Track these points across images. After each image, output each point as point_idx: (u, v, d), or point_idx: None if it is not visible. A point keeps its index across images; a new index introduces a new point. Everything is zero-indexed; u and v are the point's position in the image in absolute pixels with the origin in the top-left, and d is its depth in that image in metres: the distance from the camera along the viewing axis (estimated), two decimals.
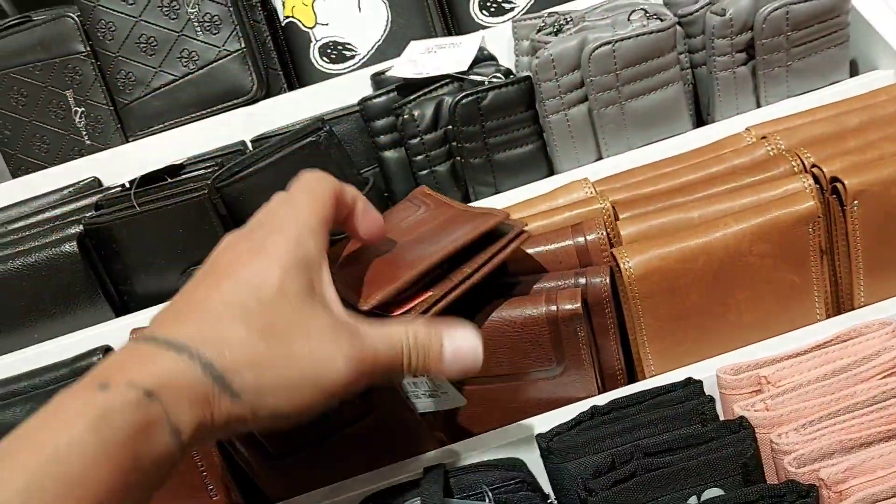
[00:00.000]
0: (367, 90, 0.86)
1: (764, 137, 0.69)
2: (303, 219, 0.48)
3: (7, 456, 0.38)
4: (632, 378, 0.64)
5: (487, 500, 0.53)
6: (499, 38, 0.87)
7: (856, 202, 0.59)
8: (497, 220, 0.58)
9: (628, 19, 0.73)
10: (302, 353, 0.45)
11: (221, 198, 0.75)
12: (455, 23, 0.94)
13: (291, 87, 0.93)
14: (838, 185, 0.59)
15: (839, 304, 0.63)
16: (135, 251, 0.75)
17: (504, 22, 0.91)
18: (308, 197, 0.50)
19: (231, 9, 0.87)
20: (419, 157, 0.77)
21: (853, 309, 0.62)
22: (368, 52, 0.93)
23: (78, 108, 0.91)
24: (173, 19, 0.87)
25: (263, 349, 0.44)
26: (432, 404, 0.61)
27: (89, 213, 0.77)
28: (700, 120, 0.80)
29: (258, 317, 0.45)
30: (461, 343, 0.50)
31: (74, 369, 0.69)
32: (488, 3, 0.92)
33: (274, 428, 0.47)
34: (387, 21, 0.93)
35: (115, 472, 0.39)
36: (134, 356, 0.43)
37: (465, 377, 0.56)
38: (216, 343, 0.43)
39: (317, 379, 0.46)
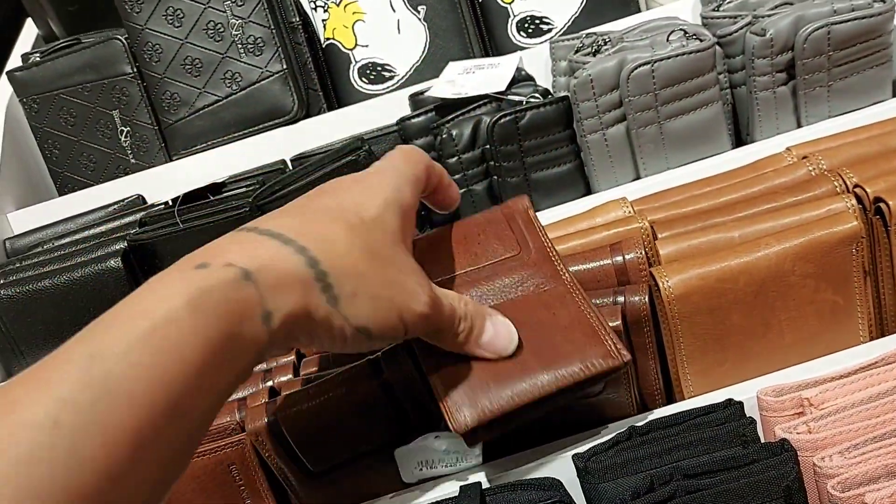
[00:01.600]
0: (406, 110, 0.87)
1: (805, 157, 0.68)
2: (401, 170, 0.52)
3: (105, 326, 0.38)
4: (670, 398, 0.63)
5: None
6: (536, 59, 0.88)
7: None
8: (615, 365, 0.51)
9: (667, 40, 0.74)
10: (395, 279, 0.47)
11: (262, 215, 0.76)
12: (493, 44, 0.95)
13: (331, 108, 0.95)
14: (882, 205, 0.58)
15: (883, 325, 0.62)
16: None
17: (541, 43, 0.92)
18: (406, 156, 0.54)
19: (274, 31, 0.89)
20: (457, 176, 0.77)
21: None
22: (407, 73, 0.94)
23: (124, 128, 0.93)
24: (217, 41, 0.89)
25: (365, 264, 0.46)
26: (443, 471, 0.59)
27: (133, 230, 0.79)
28: (739, 140, 0.79)
29: (361, 233, 0.46)
30: (500, 327, 0.53)
31: None
32: (526, 24, 0.93)
33: (350, 350, 0.47)
34: (425, 42, 0.94)
35: (208, 350, 0.38)
36: (234, 241, 0.44)
37: (497, 357, 0.55)
38: (323, 242, 0.45)
39: (402, 308, 0.47)
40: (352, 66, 0.94)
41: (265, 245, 0.43)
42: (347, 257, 0.45)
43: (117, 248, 0.76)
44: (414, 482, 0.59)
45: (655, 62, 0.71)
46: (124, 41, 0.92)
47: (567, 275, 0.56)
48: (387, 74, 0.94)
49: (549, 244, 0.59)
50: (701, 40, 0.73)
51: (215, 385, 0.40)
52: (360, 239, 0.46)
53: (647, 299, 0.60)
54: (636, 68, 0.71)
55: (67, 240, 0.84)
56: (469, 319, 0.51)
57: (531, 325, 0.54)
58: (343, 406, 0.56)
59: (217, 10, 0.89)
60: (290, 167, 0.86)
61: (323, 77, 0.95)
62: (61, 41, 0.97)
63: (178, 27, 0.89)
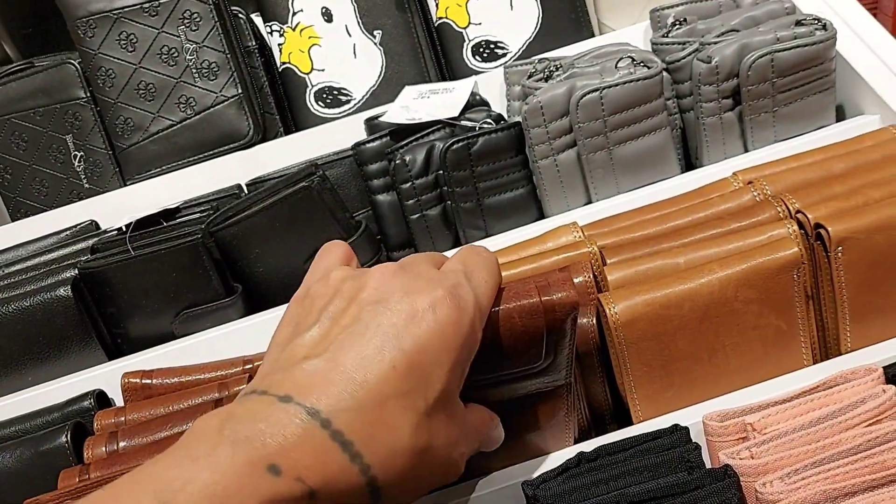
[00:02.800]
0: (362, 134, 0.87)
1: (750, 182, 0.69)
2: (483, 302, 0.49)
3: None
4: (620, 419, 0.64)
5: None
6: (491, 83, 0.89)
7: (840, 248, 0.59)
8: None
9: (616, 66, 0.75)
10: (440, 464, 0.48)
11: (215, 242, 0.76)
12: (449, 68, 0.95)
13: (288, 131, 0.95)
14: (822, 231, 0.60)
15: (826, 349, 0.63)
16: (129, 295, 0.76)
17: (497, 67, 0.93)
18: (492, 280, 0.51)
19: (229, 55, 0.89)
20: (410, 202, 0.77)
21: (840, 354, 0.62)
22: (363, 97, 0.94)
23: (77, 153, 0.92)
24: (172, 66, 0.89)
25: (418, 467, 0.45)
26: None
27: (85, 257, 0.78)
28: (690, 164, 0.81)
29: (423, 426, 0.45)
30: (497, 435, 0.55)
31: (66, 413, 0.69)
32: (481, 49, 0.94)
33: None
34: (381, 66, 0.94)
35: None
36: (307, 443, 0.42)
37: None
38: (386, 456, 0.44)
39: (435, 484, 0.49)
40: (308, 90, 0.94)
41: (334, 458, 0.42)
42: (404, 468, 0.45)
43: (67, 275, 0.75)
44: None
45: (604, 89, 0.72)
46: (77, 65, 0.91)
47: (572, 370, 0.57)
48: (343, 98, 0.94)
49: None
50: (649, 67, 0.74)
51: None
52: (422, 439, 0.45)
53: (595, 322, 0.60)
54: (585, 95, 0.72)
55: (18, 267, 0.83)
56: (487, 438, 0.53)
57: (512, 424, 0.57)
58: None
59: (171, 34, 0.89)
60: (246, 191, 0.86)
61: (280, 101, 0.95)
62: (14, 65, 0.96)
63: (131, 52, 0.89)
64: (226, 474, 0.39)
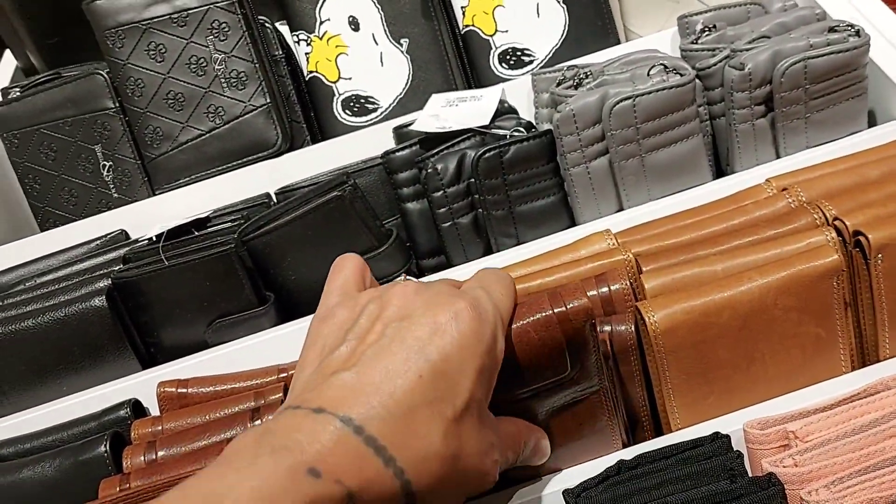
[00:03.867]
0: (389, 142, 0.87)
1: (785, 189, 0.69)
2: (504, 312, 0.51)
3: None
4: (658, 428, 0.64)
5: None
6: (519, 90, 0.89)
7: (880, 255, 0.59)
8: None
9: (648, 74, 0.75)
10: (473, 474, 0.48)
11: (248, 250, 0.76)
12: (475, 75, 0.96)
13: (315, 140, 0.95)
14: (861, 238, 0.60)
15: (864, 356, 0.63)
16: (162, 304, 0.76)
17: (523, 74, 0.93)
18: (508, 293, 0.53)
19: (257, 65, 0.90)
20: (442, 210, 0.78)
21: (879, 361, 0.62)
22: (390, 105, 0.95)
23: (106, 163, 0.93)
24: (200, 76, 0.90)
25: (450, 473, 0.46)
26: None
27: (117, 267, 0.78)
28: (720, 170, 0.80)
29: (453, 432, 0.46)
30: (543, 448, 0.56)
31: (103, 423, 0.69)
32: (508, 56, 0.94)
33: None
34: (408, 75, 0.95)
35: None
36: (343, 448, 0.43)
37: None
38: (418, 461, 0.45)
39: (469, 492, 0.49)
40: (335, 99, 0.95)
41: (369, 462, 0.43)
42: (437, 473, 0.45)
43: (101, 285, 0.76)
44: None
45: (637, 97, 0.72)
46: (106, 76, 0.92)
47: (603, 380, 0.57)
48: (370, 107, 0.95)
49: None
50: (681, 74, 0.74)
51: None
52: (452, 445, 0.46)
53: (633, 329, 0.60)
54: (618, 103, 0.72)
55: (50, 277, 0.83)
56: (524, 457, 0.54)
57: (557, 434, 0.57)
58: None
59: (200, 44, 0.89)
60: (275, 200, 0.87)
61: (307, 110, 0.96)
62: (41, 75, 0.97)
63: (160, 62, 0.89)
64: (269, 479, 0.41)
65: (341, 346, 0.48)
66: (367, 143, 0.89)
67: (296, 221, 0.75)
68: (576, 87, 0.79)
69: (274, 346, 0.75)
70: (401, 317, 0.48)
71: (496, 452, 0.50)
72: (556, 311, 0.53)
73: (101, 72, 0.92)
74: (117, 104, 0.92)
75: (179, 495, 0.41)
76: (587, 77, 0.79)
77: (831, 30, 0.73)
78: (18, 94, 0.95)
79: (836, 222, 0.62)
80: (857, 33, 0.73)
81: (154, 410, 0.72)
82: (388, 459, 0.44)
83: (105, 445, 0.64)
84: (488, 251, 0.78)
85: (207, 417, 0.66)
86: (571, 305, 0.53)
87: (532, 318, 0.53)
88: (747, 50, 0.74)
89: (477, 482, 0.49)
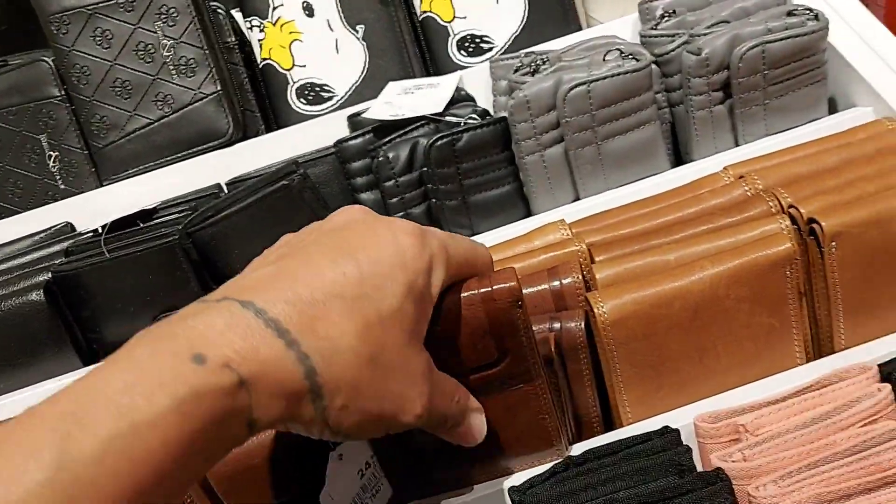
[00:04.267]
0: (345, 131, 0.85)
1: (742, 177, 0.68)
2: (451, 254, 0.48)
3: (82, 414, 0.35)
4: (608, 425, 0.62)
5: None
6: (477, 78, 0.87)
7: (834, 244, 0.58)
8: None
9: (603, 59, 0.73)
10: (393, 391, 0.44)
11: (193, 243, 0.74)
12: (433, 63, 0.94)
13: (269, 129, 0.93)
14: (815, 226, 0.58)
15: (819, 347, 0.61)
16: (104, 298, 0.74)
17: (482, 62, 0.91)
18: (461, 248, 0.50)
19: (207, 52, 0.87)
20: (394, 200, 0.76)
21: (834, 352, 0.60)
22: (346, 94, 0.92)
23: (52, 153, 0.90)
24: (148, 63, 0.87)
25: (366, 376, 0.42)
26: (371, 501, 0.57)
27: (58, 260, 0.76)
28: (679, 159, 0.79)
29: (373, 336, 0.42)
30: (477, 425, 0.51)
31: None
32: (466, 43, 0.92)
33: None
34: (364, 62, 0.92)
35: (186, 450, 0.36)
36: (237, 328, 0.39)
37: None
38: (328, 350, 0.40)
39: (390, 421, 0.44)
40: (290, 87, 0.92)
41: (268, 343, 0.39)
42: (348, 370, 0.41)
43: (40, 279, 0.73)
44: None
45: (591, 82, 0.70)
46: (51, 63, 0.89)
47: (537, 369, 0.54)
48: (325, 95, 0.92)
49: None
50: (637, 59, 0.72)
51: (189, 473, 0.38)
52: (369, 345, 0.42)
53: (582, 325, 0.58)
54: (572, 89, 0.70)
55: None
56: (454, 418, 0.49)
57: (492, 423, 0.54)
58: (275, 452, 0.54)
59: (147, 30, 0.87)
60: (226, 191, 0.84)
61: (261, 98, 0.93)
62: None
63: (106, 48, 0.87)
64: (146, 371, 0.36)
65: (276, 252, 0.45)
66: (323, 132, 0.87)
67: (242, 212, 0.73)
68: (532, 74, 0.77)
69: None
70: (341, 227, 0.46)
71: (424, 385, 0.45)
72: (481, 291, 0.50)
73: (45, 59, 0.89)
74: (63, 92, 0.89)
75: (53, 397, 0.36)
76: (544, 63, 0.78)
77: (790, 14, 0.72)
78: None
79: (791, 210, 0.61)
80: (816, 17, 0.71)
81: None
82: (290, 342, 0.39)
83: None
84: None
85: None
86: (498, 287, 0.51)
87: (458, 295, 0.50)
88: (705, 35, 0.73)
89: (395, 405, 0.44)
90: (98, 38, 0.87)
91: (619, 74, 0.70)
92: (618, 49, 0.73)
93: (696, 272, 0.58)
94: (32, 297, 0.71)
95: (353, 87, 0.92)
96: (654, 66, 0.73)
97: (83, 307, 0.74)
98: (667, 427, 0.55)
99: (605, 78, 0.70)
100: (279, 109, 0.93)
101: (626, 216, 0.68)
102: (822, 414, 0.52)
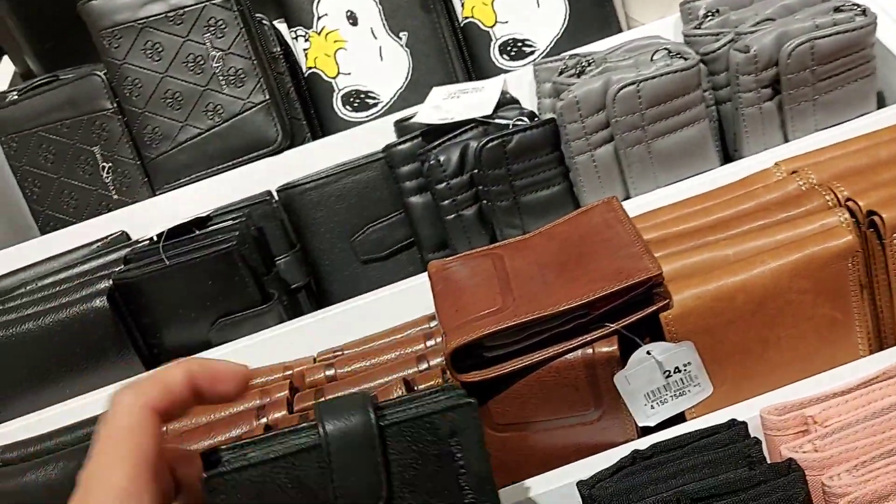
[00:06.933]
0: (390, 137, 0.86)
1: (794, 172, 0.68)
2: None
3: None
4: (672, 420, 0.62)
5: None
6: (520, 82, 0.88)
7: (895, 235, 0.58)
8: (648, 276, 0.56)
9: (651, 59, 0.73)
10: None
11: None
12: (476, 68, 0.95)
13: (315, 137, 0.94)
14: (875, 218, 0.58)
15: (882, 338, 0.61)
16: (164, 304, 0.75)
17: (525, 65, 0.92)
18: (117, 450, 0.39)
19: (255, 62, 0.89)
20: (446, 202, 0.76)
21: None
22: (391, 100, 0.93)
23: (105, 164, 0.92)
24: (198, 74, 0.89)
25: None
26: (678, 405, 0.59)
27: (118, 268, 0.77)
28: (727, 156, 0.79)
29: None
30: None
31: None
32: (508, 47, 0.93)
33: None
34: (408, 68, 0.94)
35: None
36: None
37: None
38: None
39: None
40: (335, 95, 0.94)
41: None
42: None
43: (102, 286, 0.75)
44: (653, 424, 0.59)
45: (641, 82, 0.71)
46: (103, 77, 0.91)
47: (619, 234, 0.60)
48: (370, 101, 0.93)
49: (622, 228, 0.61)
50: (685, 58, 0.72)
51: None
52: None
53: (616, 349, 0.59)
54: (622, 88, 0.71)
55: (51, 279, 0.82)
56: None
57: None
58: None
59: (197, 42, 0.88)
60: (276, 198, 0.85)
61: (306, 106, 0.95)
62: (39, 78, 0.96)
63: (157, 61, 0.89)
64: None
65: None
66: (368, 138, 0.88)
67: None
68: (578, 76, 0.78)
69: (278, 343, 0.74)
70: None
71: None
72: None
73: (98, 73, 0.91)
74: (115, 105, 0.91)
75: None
76: (589, 65, 0.78)
77: (837, 10, 0.72)
78: (16, 97, 0.94)
79: (849, 203, 0.61)
80: (864, 12, 0.72)
81: None
82: None
83: None
84: (493, 242, 0.77)
85: (212, 417, 0.65)
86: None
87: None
88: (752, 33, 0.73)
89: None
90: (149, 52, 0.89)
91: (668, 73, 0.71)
92: (665, 48, 0.74)
93: (757, 266, 0.58)
94: (96, 304, 0.73)
95: (398, 94, 0.93)
96: (701, 64, 0.74)
97: (144, 313, 0.75)
98: (734, 420, 0.56)
99: (654, 77, 0.71)
100: (325, 117, 0.94)
101: (679, 213, 0.69)
102: (891, 404, 0.52)
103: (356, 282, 0.85)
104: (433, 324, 0.69)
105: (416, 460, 0.43)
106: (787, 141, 0.75)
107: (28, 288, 0.82)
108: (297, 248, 0.84)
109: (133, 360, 0.75)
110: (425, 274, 0.75)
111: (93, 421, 0.69)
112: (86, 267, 0.81)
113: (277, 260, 0.83)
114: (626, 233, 0.60)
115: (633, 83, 0.71)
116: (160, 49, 0.89)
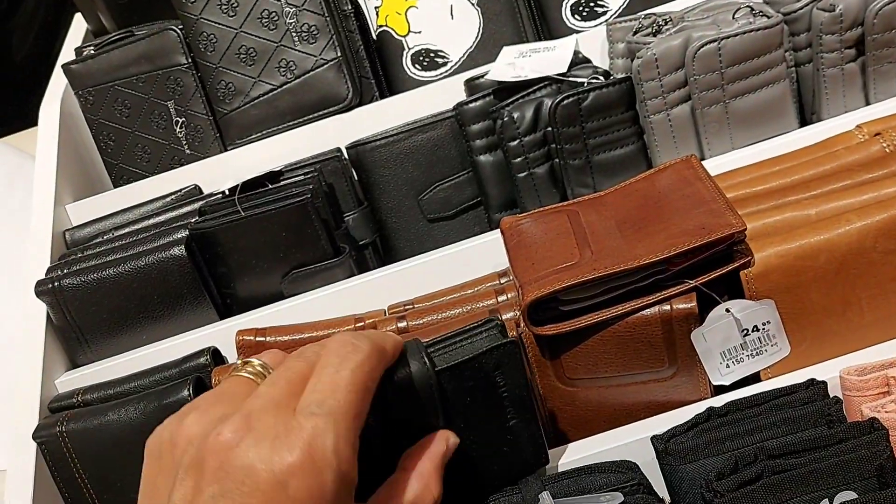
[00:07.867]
0: (459, 96, 0.86)
1: (878, 134, 0.67)
2: (342, 426, 0.43)
3: None
4: (746, 381, 0.62)
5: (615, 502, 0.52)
6: (592, 42, 0.87)
7: None
8: (732, 231, 0.56)
9: (733, 17, 0.72)
10: None
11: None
12: (546, 28, 0.94)
13: (383, 95, 0.94)
14: None
15: None
16: (239, 255, 0.76)
17: (596, 26, 0.91)
18: (357, 378, 0.45)
19: (328, 18, 0.89)
20: (518, 160, 0.76)
21: None
22: (460, 59, 0.93)
23: (179, 119, 0.93)
24: (272, 30, 0.89)
25: None
26: (754, 365, 0.59)
27: (194, 219, 0.79)
28: (803, 119, 0.78)
29: None
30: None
31: (183, 370, 0.70)
32: (580, 7, 0.92)
33: None
34: (479, 28, 0.93)
35: None
36: None
37: None
38: None
39: None
40: (405, 53, 0.94)
41: None
42: None
43: (180, 236, 0.76)
44: (728, 383, 0.59)
45: (722, 40, 0.69)
46: (179, 31, 0.92)
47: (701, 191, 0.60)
48: (440, 61, 0.93)
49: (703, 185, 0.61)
50: (768, 17, 0.71)
51: None
52: None
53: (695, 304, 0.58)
54: (702, 46, 0.70)
55: (127, 230, 0.84)
56: None
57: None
58: None
59: None
60: (345, 155, 0.86)
61: (375, 64, 0.95)
62: (114, 34, 0.98)
63: (232, 16, 0.89)
64: None
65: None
66: (437, 97, 0.88)
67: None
68: (654, 35, 0.77)
69: (348, 296, 0.75)
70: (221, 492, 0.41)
71: None
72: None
73: (174, 28, 0.92)
74: (190, 60, 0.92)
75: None
76: (666, 24, 0.77)
77: None
78: (93, 52, 0.95)
79: None
80: None
81: (232, 359, 0.73)
82: None
83: (189, 389, 0.65)
84: (564, 201, 0.77)
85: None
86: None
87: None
88: None
89: None
90: (224, 7, 0.89)
91: (750, 31, 0.70)
92: (748, 6, 0.72)
93: (842, 225, 0.57)
94: (174, 253, 0.74)
95: (468, 53, 0.93)
96: (784, 24, 0.72)
97: (219, 263, 0.77)
98: (813, 379, 0.55)
99: (736, 35, 0.70)
100: (393, 76, 0.95)
101: (758, 174, 0.68)
102: None
103: (422, 240, 0.85)
104: (504, 280, 0.69)
105: (466, 393, 0.51)
106: (868, 104, 0.74)
107: (105, 237, 0.84)
108: (364, 205, 0.85)
109: (208, 309, 0.76)
110: (493, 232, 0.75)
111: (170, 366, 0.72)
112: (161, 218, 0.83)
113: (346, 216, 0.84)
114: (707, 189, 0.60)
115: (714, 41, 0.70)
116: (235, 4, 0.90)
